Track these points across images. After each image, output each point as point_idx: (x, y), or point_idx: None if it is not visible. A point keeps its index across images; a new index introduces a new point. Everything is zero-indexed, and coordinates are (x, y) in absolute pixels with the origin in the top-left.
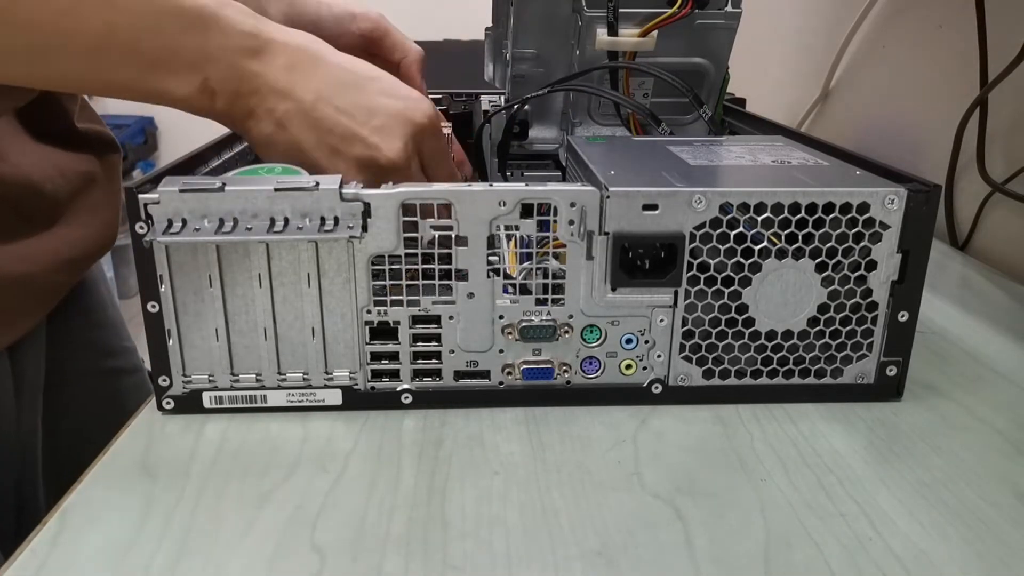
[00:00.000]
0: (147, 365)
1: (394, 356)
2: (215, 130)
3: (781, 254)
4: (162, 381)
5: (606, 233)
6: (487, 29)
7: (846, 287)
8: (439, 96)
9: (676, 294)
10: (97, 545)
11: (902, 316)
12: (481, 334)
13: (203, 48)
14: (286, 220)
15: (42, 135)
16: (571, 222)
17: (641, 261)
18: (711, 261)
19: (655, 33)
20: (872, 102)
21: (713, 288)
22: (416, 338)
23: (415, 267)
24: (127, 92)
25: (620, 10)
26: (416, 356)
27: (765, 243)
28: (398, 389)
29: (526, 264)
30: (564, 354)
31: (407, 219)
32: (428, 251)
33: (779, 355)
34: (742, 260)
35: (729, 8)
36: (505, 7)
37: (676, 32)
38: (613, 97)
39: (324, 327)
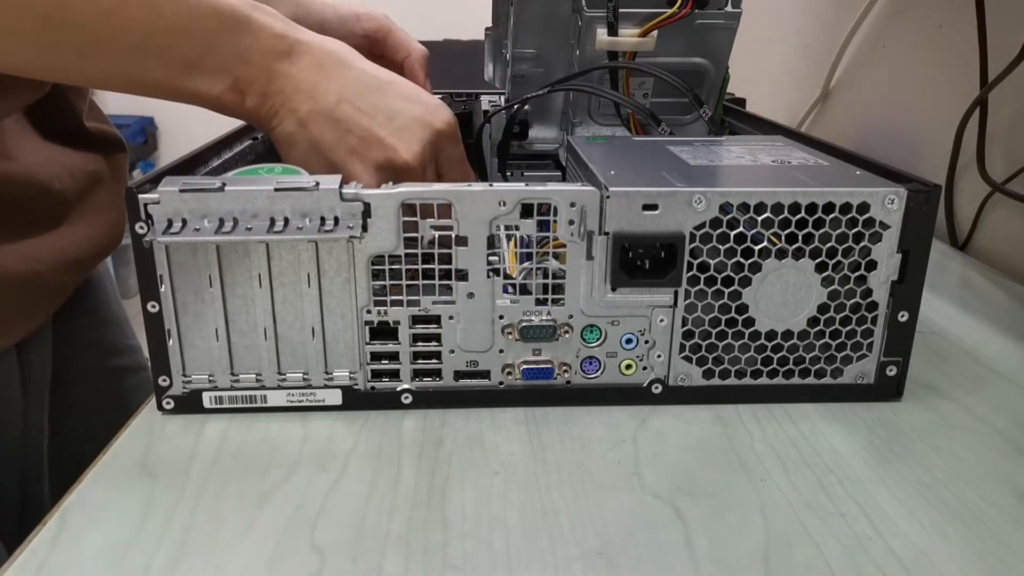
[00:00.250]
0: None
1: (394, 356)
2: (215, 130)
3: (781, 254)
4: (162, 381)
5: (606, 233)
6: (487, 29)
7: (846, 287)
8: (439, 96)
9: (676, 294)
10: (97, 545)
11: (902, 316)
12: (481, 334)
13: (235, 50)
14: (286, 220)
15: (50, 133)
16: (571, 222)
17: (641, 261)
18: (711, 261)
19: (655, 33)
20: (872, 102)
21: (713, 288)
22: (416, 338)
23: (415, 267)
24: (159, 91)
25: (620, 10)
26: (416, 356)
27: (765, 243)
28: (398, 389)
29: (526, 264)
30: (564, 354)
31: (407, 219)
32: (428, 251)
33: (779, 355)
34: (742, 260)
35: (729, 8)
36: (505, 7)
37: (676, 32)
38: (613, 97)
39: (324, 327)
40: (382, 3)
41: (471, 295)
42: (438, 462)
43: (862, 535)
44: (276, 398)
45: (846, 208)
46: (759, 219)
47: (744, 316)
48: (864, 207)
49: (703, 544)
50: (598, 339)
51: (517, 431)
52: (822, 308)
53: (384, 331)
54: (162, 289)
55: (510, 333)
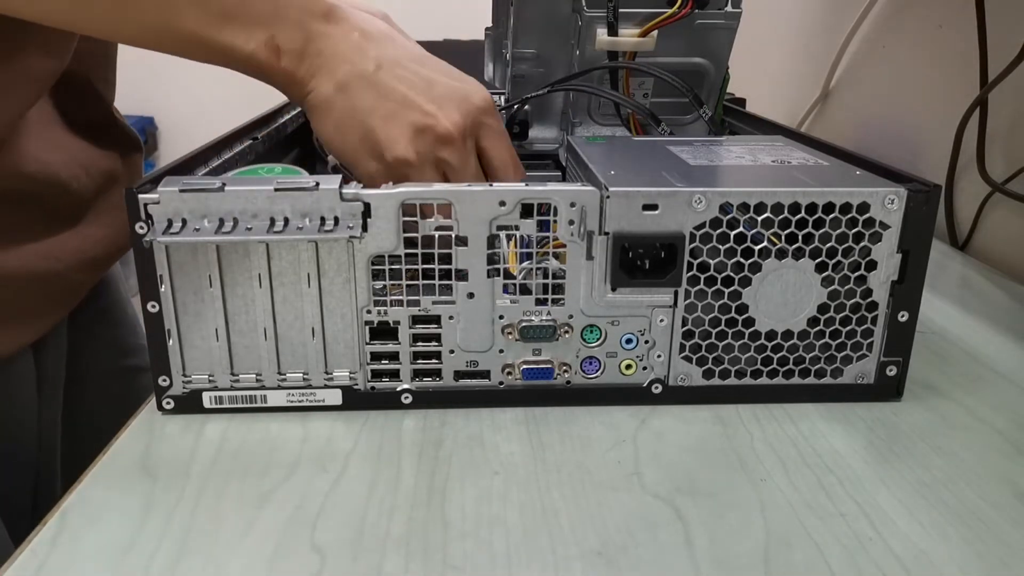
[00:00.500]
0: None
1: (394, 356)
2: (215, 130)
3: (781, 254)
4: (162, 381)
5: (606, 233)
6: (487, 29)
7: (846, 287)
8: None
9: (676, 294)
10: (97, 545)
11: (902, 316)
12: (481, 334)
13: (273, 3)
14: (286, 220)
15: (78, 125)
16: (571, 222)
17: (641, 261)
18: (711, 261)
19: (655, 33)
20: (872, 102)
21: (713, 288)
22: (416, 338)
23: (415, 267)
24: (191, 44)
25: (620, 10)
26: (416, 356)
27: (765, 243)
28: (398, 389)
29: (526, 264)
30: (564, 354)
31: (407, 219)
32: (428, 251)
33: (779, 355)
34: (742, 260)
35: (729, 8)
36: (505, 7)
37: (676, 32)
38: (613, 97)
39: (324, 327)
40: (383, 3)
41: (471, 295)
42: (438, 462)
43: (862, 535)
44: (276, 398)
45: (846, 208)
46: (759, 219)
47: (744, 316)
48: (864, 207)
49: (703, 544)
50: (598, 339)
51: (517, 431)
52: (822, 308)
53: (384, 331)
54: (162, 289)
55: (510, 333)
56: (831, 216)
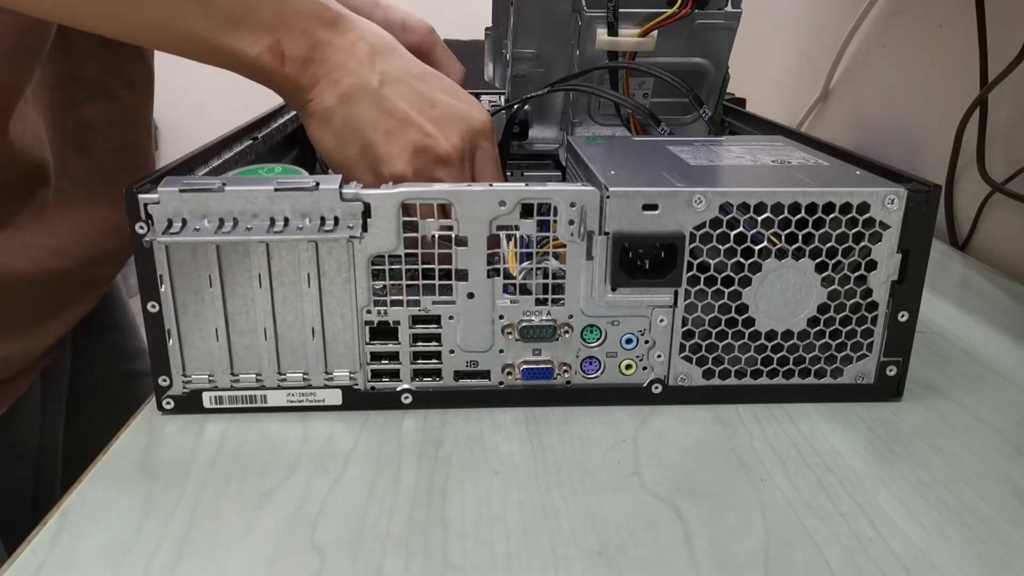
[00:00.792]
0: None
1: (394, 356)
2: (215, 130)
3: (781, 254)
4: (162, 381)
5: (606, 233)
6: (487, 29)
7: (846, 287)
8: None
9: (676, 294)
10: (97, 545)
11: (902, 316)
12: (481, 334)
13: (279, 9)
14: (286, 220)
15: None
16: (571, 222)
17: (641, 261)
18: (711, 261)
19: (655, 33)
20: (872, 102)
21: (713, 288)
22: (416, 338)
23: (415, 267)
24: (195, 46)
25: (620, 10)
26: (416, 356)
27: (765, 243)
28: (398, 389)
29: (526, 264)
30: (564, 354)
31: (407, 219)
32: (428, 251)
33: (779, 355)
34: (742, 260)
35: (729, 8)
36: (505, 7)
37: (676, 32)
38: (613, 97)
39: (324, 327)
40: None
41: (471, 295)
42: (438, 462)
43: (862, 535)
44: (276, 398)
45: (846, 208)
46: (759, 219)
47: (744, 316)
48: (864, 207)
49: (703, 544)
50: (598, 339)
51: (517, 431)
52: (822, 308)
53: (384, 331)
54: (162, 289)
55: (510, 333)
56: (831, 216)
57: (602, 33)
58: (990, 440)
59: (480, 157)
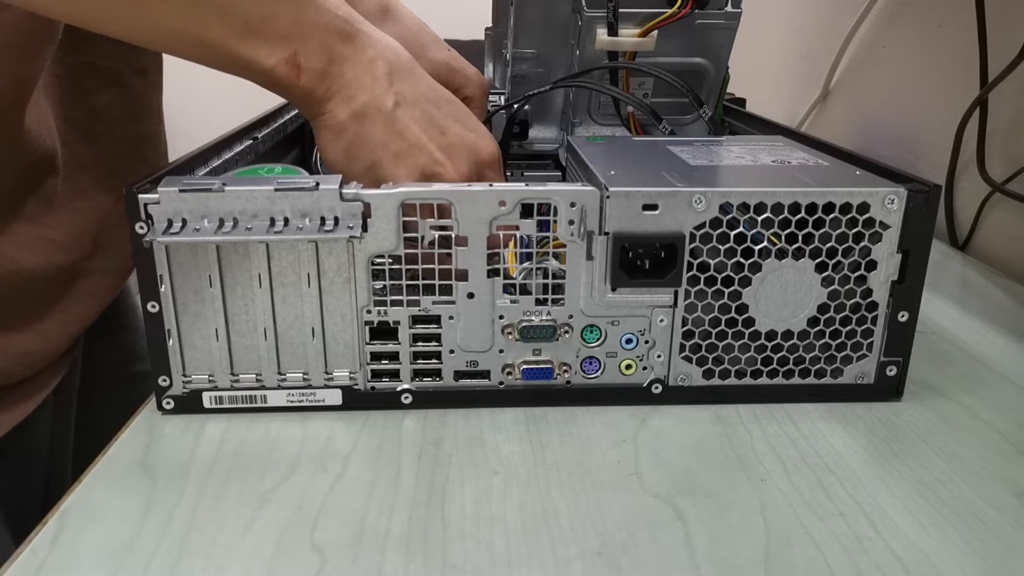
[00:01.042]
0: None
1: (394, 356)
2: (215, 130)
3: (781, 254)
4: (162, 381)
5: (606, 233)
6: (487, 29)
7: (846, 287)
8: None
9: (676, 294)
10: (97, 545)
11: (902, 316)
12: (481, 334)
13: (297, 20)
14: (286, 220)
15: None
16: (571, 222)
17: (641, 261)
18: (711, 261)
19: (655, 33)
20: (872, 102)
21: (713, 288)
22: (416, 338)
23: (415, 267)
24: (211, 54)
25: (620, 10)
26: (416, 356)
27: (765, 243)
28: (398, 389)
29: (526, 264)
30: (564, 354)
31: (407, 219)
32: (428, 251)
33: (779, 355)
34: (742, 260)
35: (729, 8)
36: (505, 7)
37: (676, 32)
38: (616, 93)
39: (324, 327)
40: None
41: (471, 295)
42: (438, 462)
43: (862, 535)
44: (276, 398)
45: (846, 208)
46: (759, 219)
47: (744, 316)
48: (864, 207)
49: (703, 544)
50: (598, 339)
51: (517, 431)
52: (822, 308)
53: (384, 331)
54: (162, 289)
55: (510, 333)
56: (831, 216)
57: (602, 33)
58: (990, 440)
59: None
